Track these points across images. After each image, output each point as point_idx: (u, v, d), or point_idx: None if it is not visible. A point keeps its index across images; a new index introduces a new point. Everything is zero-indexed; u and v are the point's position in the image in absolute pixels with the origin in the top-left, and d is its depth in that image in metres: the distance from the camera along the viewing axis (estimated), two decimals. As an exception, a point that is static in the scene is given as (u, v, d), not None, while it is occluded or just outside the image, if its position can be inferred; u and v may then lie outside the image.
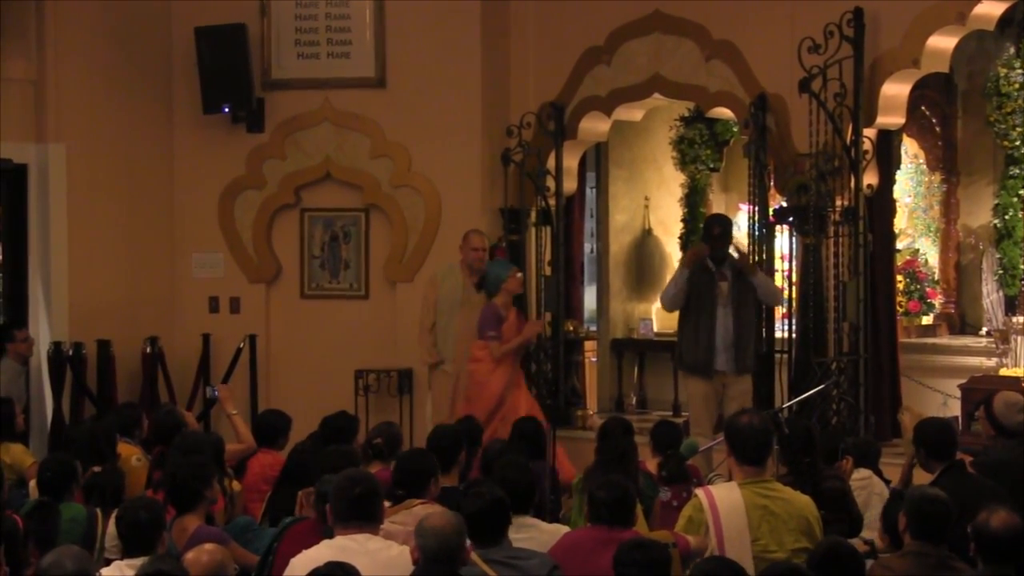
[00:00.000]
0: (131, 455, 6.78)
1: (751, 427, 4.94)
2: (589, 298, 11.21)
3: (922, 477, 5.84)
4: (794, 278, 8.72)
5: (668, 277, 10.03)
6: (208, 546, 4.58)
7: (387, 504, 5.15)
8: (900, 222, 10.08)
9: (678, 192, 11.35)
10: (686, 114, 11.22)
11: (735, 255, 8.43)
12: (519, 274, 8.80)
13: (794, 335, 8.61)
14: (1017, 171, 9.80)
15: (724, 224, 8.57)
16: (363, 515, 4.75)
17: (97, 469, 6.11)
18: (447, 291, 8.97)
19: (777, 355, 8.70)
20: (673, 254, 11.15)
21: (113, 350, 9.74)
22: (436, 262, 9.83)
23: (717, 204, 11.58)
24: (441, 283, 9.01)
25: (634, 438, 6.54)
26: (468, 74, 9.86)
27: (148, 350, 9.94)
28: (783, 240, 8.87)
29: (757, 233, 8.74)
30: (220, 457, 6.26)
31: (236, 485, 6.47)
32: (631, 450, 6.13)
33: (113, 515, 5.23)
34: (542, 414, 7.98)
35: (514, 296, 8.76)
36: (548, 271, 9.89)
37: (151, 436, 7.00)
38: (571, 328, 10.13)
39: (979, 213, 10.29)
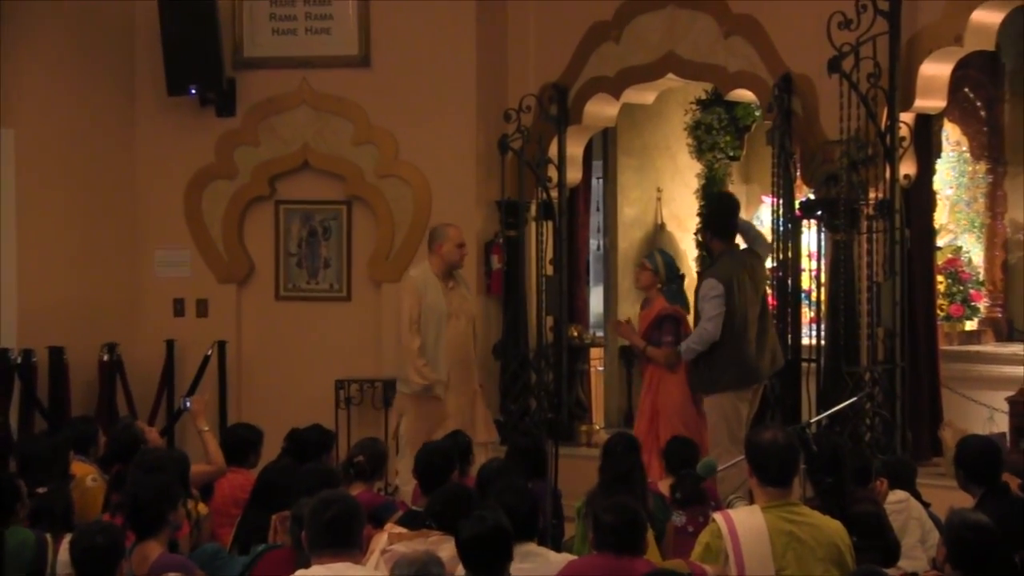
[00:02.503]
0: (86, 475, 6.76)
1: (775, 444, 4.91)
2: (595, 300, 11.20)
3: (965, 501, 5.83)
4: (823, 279, 8.72)
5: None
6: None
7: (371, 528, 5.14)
8: (940, 216, 10.07)
9: (694, 183, 11.34)
10: (703, 97, 11.22)
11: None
12: (640, 265, 8.82)
13: (823, 342, 8.60)
14: (1070, 160, 9.82)
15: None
16: (339, 541, 4.72)
17: (42, 490, 6.07)
18: (432, 302, 8.30)
19: (804, 364, 8.69)
20: (688, 251, 11.15)
21: (66, 358, 9.73)
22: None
23: (737, 196, 11.52)
24: (424, 291, 8.30)
25: (641, 456, 6.51)
26: (461, 52, 9.85)
27: (105, 358, 9.93)
28: (811, 237, 8.85)
29: (782, 228, 8.73)
30: (185, 477, 6.23)
31: (203, 508, 6.44)
32: (638, 469, 6.11)
33: (65, 540, 5.21)
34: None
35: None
36: (550, 270, 9.89)
37: (109, 453, 6.97)
38: (575, 334, 10.12)
39: (1029, 206, 10.31)
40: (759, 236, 8.61)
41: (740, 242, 8.51)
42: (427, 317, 8.26)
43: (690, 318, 8.56)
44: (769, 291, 8.82)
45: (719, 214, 8.56)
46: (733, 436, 8.02)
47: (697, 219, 11.10)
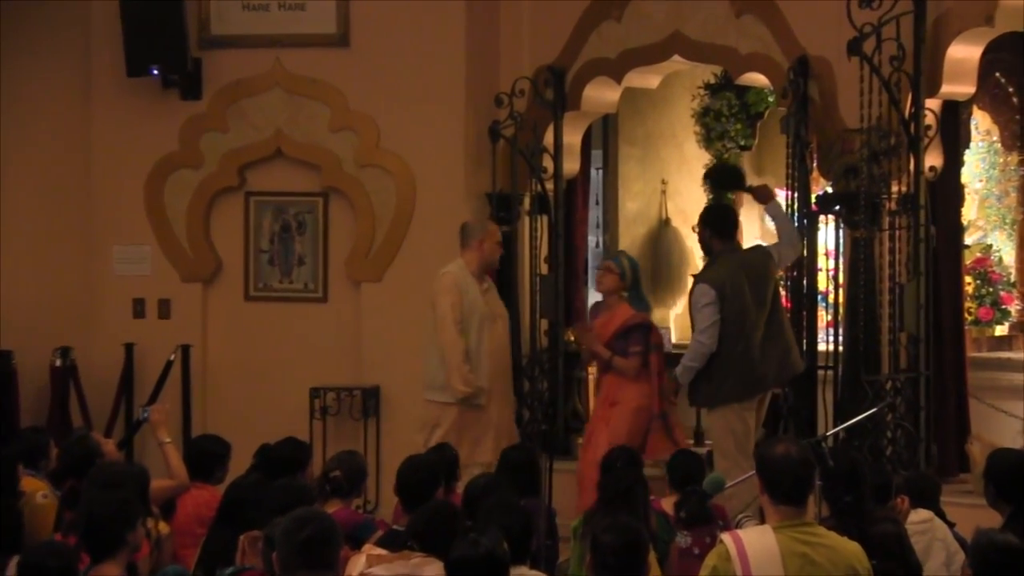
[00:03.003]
0: (36, 491, 6.76)
1: (788, 459, 4.92)
2: (594, 302, 11.20)
3: (993, 520, 5.84)
4: (841, 279, 8.73)
5: (689, 276, 10.03)
6: (129, 601, 4.56)
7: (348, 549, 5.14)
8: (969, 212, 10.08)
9: (701, 175, 11.33)
10: (712, 81, 11.22)
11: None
12: (603, 268, 8.91)
13: (841, 348, 8.61)
14: (1112, 151, 9.82)
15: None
16: (313, 563, 4.71)
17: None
18: (473, 302, 8.34)
19: (821, 372, 8.70)
20: (695, 249, 11.14)
21: (15, 363, 9.72)
22: (409, 258, 9.84)
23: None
24: (464, 290, 8.32)
25: (643, 471, 6.53)
26: (449, 31, 9.85)
27: (58, 363, 9.92)
28: (828, 233, 8.86)
29: (796, 224, 8.74)
30: (145, 493, 6.24)
31: (164, 527, 6.45)
32: (639, 485, 6.12)
33: (13, 563, 5.20)
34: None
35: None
36: (545, 269, 9.89)
37: (61, 467, 6.97)
38: (572, 338, 10.12)
39: (1065, 201, 10.30)
40: (789, 230, 8.61)
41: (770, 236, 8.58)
42: (468, 319, 8.27)
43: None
44: (783, 292, 8.84)
45: (718, 210, 8.59)
46: (742, 449, 8.04)
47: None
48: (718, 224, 8.52)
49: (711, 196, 11.26)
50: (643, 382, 8.56)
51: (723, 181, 9.27)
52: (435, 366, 8.35)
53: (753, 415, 8.24)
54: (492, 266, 8.55)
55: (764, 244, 8.72)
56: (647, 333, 8.69)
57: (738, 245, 8.56)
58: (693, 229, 9.15)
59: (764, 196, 8.74)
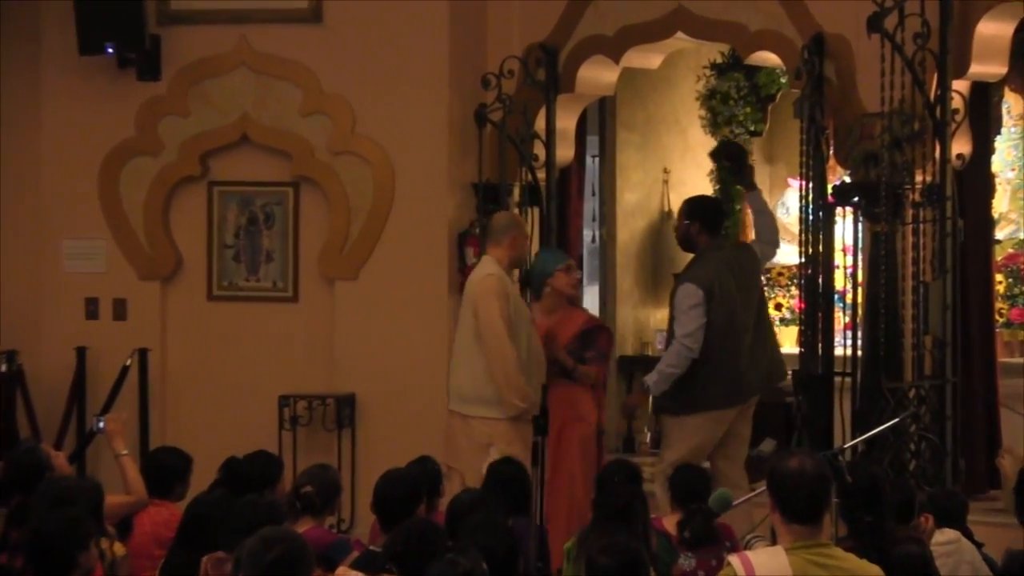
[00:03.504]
0: (-21, 508, 6.75)
1: (802, 473, 4.91)
2: (590, 301, 11.21)
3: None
4: (860, 277, 8.73)
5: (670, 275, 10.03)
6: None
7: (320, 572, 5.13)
8: (1000, 204, 10.11)
9: (707, 164, 11.35)
10: (718, 60, 11.24)
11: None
12: (574, 268, 8.66)
13: (859, 352, 8.61)
14: None
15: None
16: (282, 587, 4.72)
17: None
18: (519, 306, 8.12)
19: (838, 378, 8.70)
20: (701, 245, 11.18)
21: (-43, 368, 9.71)
22: (388, 254, 9.84)
23: (760, 179, 11.56)
24: (510, 295, 8.04)
25: (643, 487, 6.53)
26: (432, 6, 9.85)
27: (3, 368, 9.91)
28: (845, 227, 8.86)
29: (811, 217, 8.74)
30: (99, 510, 6.22)
31: (120, 548, 6.42)
32: (638, 503, 6.12)
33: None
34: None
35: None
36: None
37: (7, 482, 6.95)
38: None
39: (1105, 192, 10.35)
40: (771, 226, 8.63)
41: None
42: (516, 326, 8.02)
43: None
44: (797, 292, 8.86)
45: (708, 202, 8.57)
46: (693, 461, 8.05)
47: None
48: (708, 217, 8.46)
49: (718, 185, 11.29)
50: (594, 392, 8.52)
51: (731, 152, 9.09)
52: (480, 379, 8.05)
53: (725, 427, 8.23)
54: (521, 263, 8.51)
55: (747, 241, 8.70)
56: (610, 338, 8.70)
57: (724, 242, 8.53)
58: (674, 228, 9.02)
59: (749, 181, 8.71)
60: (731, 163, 8.77)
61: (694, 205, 8.56)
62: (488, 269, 8.11)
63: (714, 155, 8.94)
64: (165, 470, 7.09)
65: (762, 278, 8.71)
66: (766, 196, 11.94)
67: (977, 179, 8.99)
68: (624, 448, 10.80)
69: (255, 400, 9.90)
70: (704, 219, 8.42)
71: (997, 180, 9.67)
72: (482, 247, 8.66)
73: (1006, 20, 8.63)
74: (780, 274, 11.63)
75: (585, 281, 11.07)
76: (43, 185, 10.34)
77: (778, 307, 11.71)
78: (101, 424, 7.47)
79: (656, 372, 8.23)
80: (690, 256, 8.54)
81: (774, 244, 8.67)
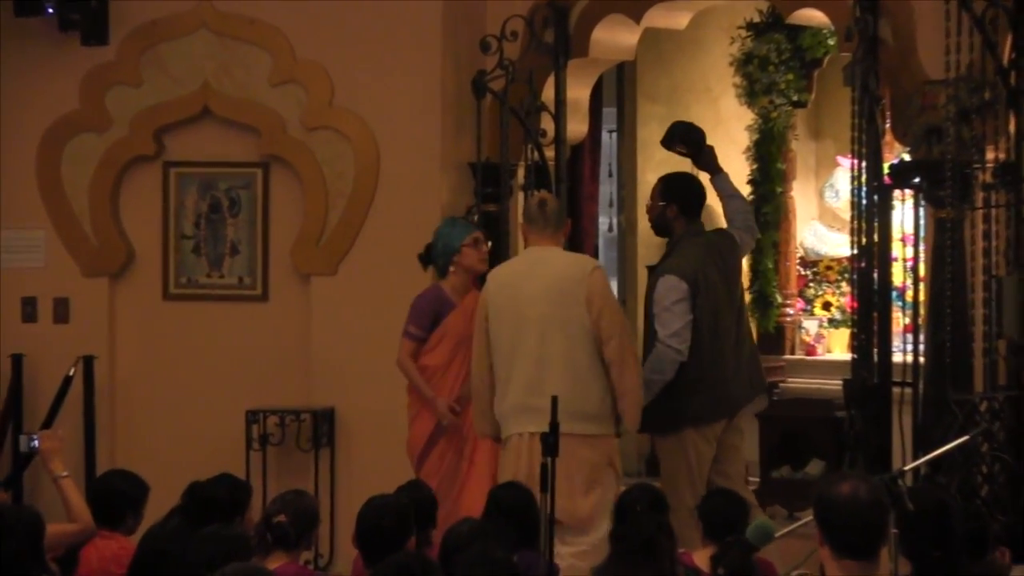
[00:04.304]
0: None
1: (855, 501, 4.89)
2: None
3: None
4: (921, 271, 8.72)
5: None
6: None
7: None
8: (1084, 186, 10.08)
9: (743, 139, 11.37)
10: (756, 19, 11.21)
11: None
12: (482, 241, 8.67)
13: (921, 359, 8.59)
14: None
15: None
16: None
17: None
18: None
19: (896, 389, 8.69)
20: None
21: None
22: (371, 245, 9.83)
23: (804, 157, 11.55)
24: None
25: (669, 517, 6.51)
26: (422, -43, 9.87)
27: (-72, 379, 9.92)
28: (904, 213, 8.86)
29: (864, 202, 8.72)
30: (38, 543, 6.21)
31: (62, 588, 6.43)
32: (664, 535, 6.09)
33: None
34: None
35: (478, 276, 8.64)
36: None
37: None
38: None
39: None
40: (745, 211, 8.61)
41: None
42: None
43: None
44: (848, 289, 8.83)
45: (687, 181, 8.50)
46: (693, 483, 8.05)
47: (748, 188, 11.13)
48: (687, 199, 8.38)
49: (755, 164, 11.25)
50: None
51: (684, 135, 8.91)
52: (602, 390, 8.00)
53: (712, 446, 8.19)
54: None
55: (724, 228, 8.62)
56: None
57: (702, 227, 8.47)
58: (648, 211, 8.91)
59: (713, 165, 8.62)
60: (687, 147, 8.66)
61: (670, 184, 8.48)
62: (590, 259, 8.15)
63: (666, 142, 8.80)
64: (117, 497, 7.05)
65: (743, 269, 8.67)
66: (811, 177, 12.00)
67: (1058, 156, 8.97)
68: (647, 471, 10.78)
69: (218, 415, 9.90)
70: (682, 201, 8.36)
71: (1081, 158, 9.64)
72: (531, 234, 8.48)
73: (1092, -29, 8.62)
74: (829, 268, 11.64)
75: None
76: (-28, 167, 10.37)
77: (827, 306, 11.71)
78: (34, 443, 7.44)
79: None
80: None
81: (751, 231, 8.63)
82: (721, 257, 8.29)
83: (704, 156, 8.63)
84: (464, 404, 8.39)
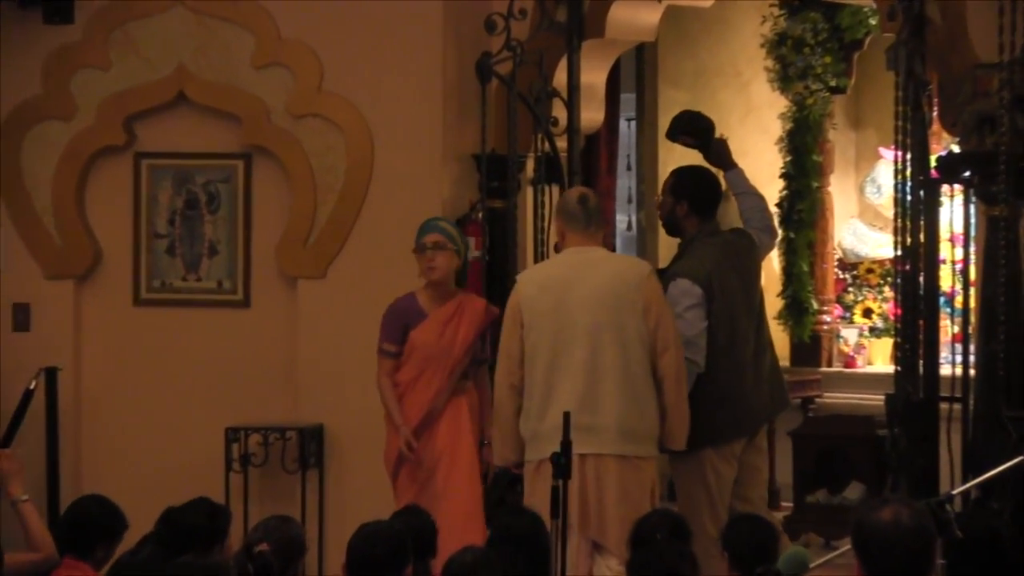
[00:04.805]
0: None
1: (898, 527, 4.90)
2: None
3: None
4: (972, 274, 8.70)
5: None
6: None
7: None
8: None
9: (776, 128, 11.37)
10: (790, -3, 11.24)
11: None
12: (432, 247, 8.71)
13: (972, 371, 8.59)
14: None
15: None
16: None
17: None
18: None
19: (944, 404, 8.69)
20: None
21: None
22: (364, 246, 9.85)
23: (844, 148, 11.54)
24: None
25: (692, 544, 6.51)
26: (420, -73, 9.88)
27: None
28: (953, 210, 8.85)
29: (909, 198, 8.72)
30: (-2, 573, 6.23)
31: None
32: (687, 565, 6.10)
33: None
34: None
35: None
36: (555, 260, 9.88)
37: None
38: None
39: None
40: (762, 210, 8.61)
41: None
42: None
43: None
44: (891, 294, 8.83)
45: (700, 177, 8.51)
46: (713, 506, 8.09)
47: (781, 182, 11.13)
48: (701, 197, 8.42)
49: (789, 157, 11.25)
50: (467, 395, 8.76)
51: (691, 125, 8.92)
52: (650, 409, 7.93)
53: (732, 465, 8.19)
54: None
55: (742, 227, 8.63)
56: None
57: (718, 227, 8.49)
58: (658, 207, 8.89)
59: (726, 159, 8.62)
60: (694, 139, 8.66)
61: (680, 179, 8.51)
62: (640, 262, 8.17)
63: (670, 133, 8.82)
64: (89, 524, 7.03)
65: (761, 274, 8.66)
66: (850, 170, 12.00)
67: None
68: (670, 495, 10.76)
69: (195, 434, 9.91)
70: (693, 199, 8.39)
71: None
72: (569, 233, 8.43)
73: None
74: (870, 271, 11.65)
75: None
76: (-76, 158, 10.39)
77: (867, 314, 11.72)
78: (-9, 464, 7.46)
79: None
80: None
81: (771, 232, 8.65)
82: (739, 259, 8.30)
83: (714, 149, 8.63)
84: (427, 426, 8.67)
